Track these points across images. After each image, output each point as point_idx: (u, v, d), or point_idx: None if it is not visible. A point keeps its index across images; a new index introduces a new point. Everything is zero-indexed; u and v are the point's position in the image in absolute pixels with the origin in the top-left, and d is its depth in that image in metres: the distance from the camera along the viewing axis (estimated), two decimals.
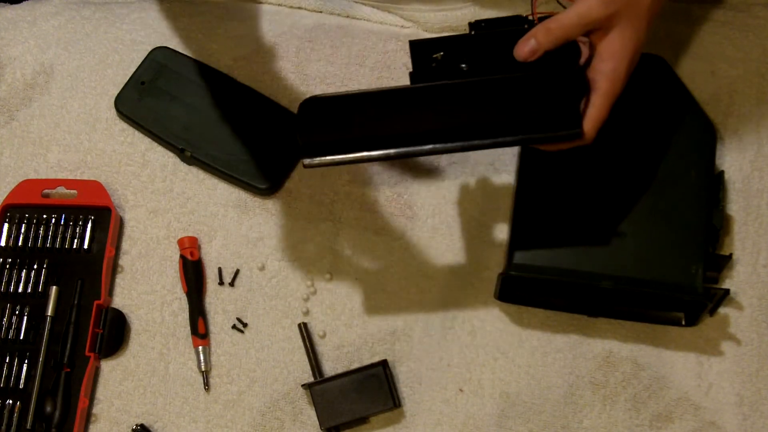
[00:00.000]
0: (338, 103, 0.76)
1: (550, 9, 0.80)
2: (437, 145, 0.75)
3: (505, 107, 0.75)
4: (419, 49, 0.79)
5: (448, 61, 0.78)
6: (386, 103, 0.76)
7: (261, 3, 1.04)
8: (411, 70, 0.79)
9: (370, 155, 0.75)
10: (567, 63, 0.77)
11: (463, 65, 0.78)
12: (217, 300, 0.92)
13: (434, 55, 0.78)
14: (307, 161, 0.74)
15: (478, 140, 0.76)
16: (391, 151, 0.75)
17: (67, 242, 0.92)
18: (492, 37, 0.78)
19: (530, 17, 0.78)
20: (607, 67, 0.76)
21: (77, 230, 0.93)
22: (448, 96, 0.76)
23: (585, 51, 0.77)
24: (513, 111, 0.75)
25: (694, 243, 0.85)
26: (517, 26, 0.78)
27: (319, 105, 0.75)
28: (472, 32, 0.78)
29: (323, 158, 0.74)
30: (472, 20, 0.78)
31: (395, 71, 0.99)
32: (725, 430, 0.87)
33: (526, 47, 0.75)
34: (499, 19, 0.79)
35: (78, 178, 0.96)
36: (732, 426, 0.87)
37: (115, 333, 0.90)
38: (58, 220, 0.93)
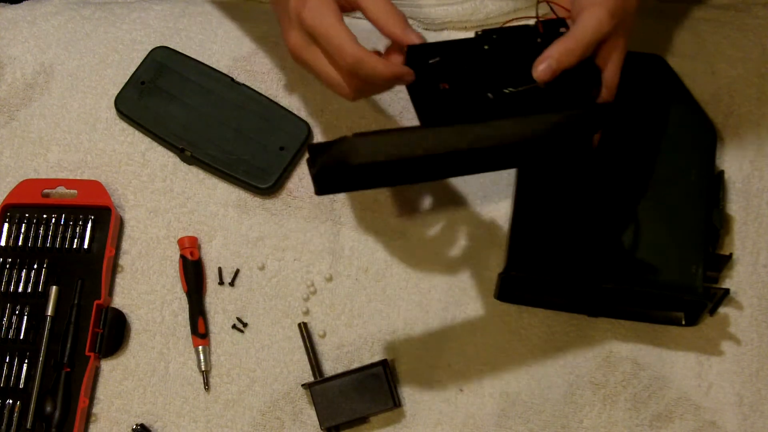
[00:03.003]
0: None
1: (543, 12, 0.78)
2: (454, 171, 0.75)
3: (532, 140, 0.75)
4: (416, 55, 0.74)
5: (467, 85, 0.74)
6: (403, 142, 0.73)
7: (261, 3, 1.04)
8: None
9: (382, 183, 0.75)
10: (584, 83, 0.76)
11: (490, 94, 0.74)
12: (217, 300, 0.92)
13: (431, 61, 0.74)
14: (317, 189, 0.74)
15: (498, 165, 0.77)
16: (404, 178, 0.75)
17: (67, 242, 0.92)
18: (503, 51, 0.75)
19: (536, 23, 0.76)
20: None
21: (77, 230, 0.93)
22: (468, 134, 0.72)
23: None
24: (540, 141, 0.75)
25: (694, 243, 0.85)
26: (529, 38, 0.75)
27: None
28: (486, 47, 0.75)
29: (334, 186, 0.74)
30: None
31: None
32: (725, 430, 0.86)
33: (545, 67, 0.73)
34: (509, 29, 0.76)
35: (78, 178, 0.96)
36: (732, 426, 0.87)
37: (115, 333, 0.90)
38: (58, 219, 0.93)
